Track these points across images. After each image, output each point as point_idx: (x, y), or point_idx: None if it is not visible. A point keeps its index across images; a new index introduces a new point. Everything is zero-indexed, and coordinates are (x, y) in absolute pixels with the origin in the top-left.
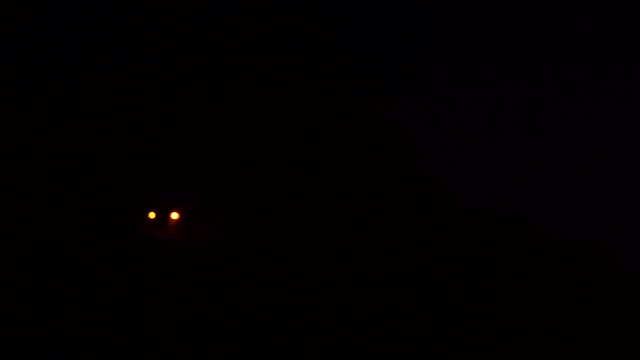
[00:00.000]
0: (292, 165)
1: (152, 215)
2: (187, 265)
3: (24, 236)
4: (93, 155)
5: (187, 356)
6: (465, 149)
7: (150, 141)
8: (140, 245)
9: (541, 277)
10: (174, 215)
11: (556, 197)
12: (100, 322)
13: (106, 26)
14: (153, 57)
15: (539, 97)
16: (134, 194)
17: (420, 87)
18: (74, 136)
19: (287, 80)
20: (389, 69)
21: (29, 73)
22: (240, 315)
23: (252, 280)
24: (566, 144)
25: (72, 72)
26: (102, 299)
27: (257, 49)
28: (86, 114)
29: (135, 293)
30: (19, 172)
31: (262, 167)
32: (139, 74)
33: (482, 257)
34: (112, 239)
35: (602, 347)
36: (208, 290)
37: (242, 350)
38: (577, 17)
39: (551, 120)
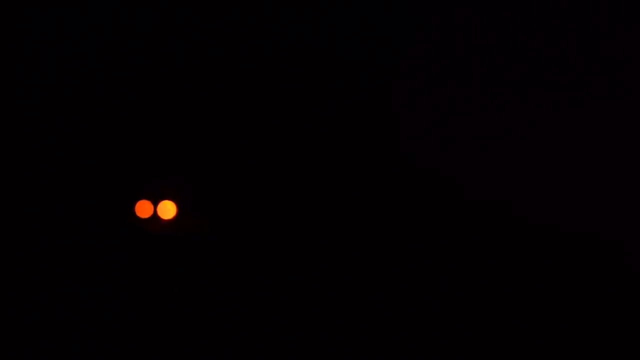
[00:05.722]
0: (295, 158)
1: (143, 206)
2: (184, 265)
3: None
4: (79, 142)
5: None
6: (462, 146)
7: (144, 124)
8: (130, 242)
9: (540, 276)
10: (170, 207)
11: (554, 194)
12: (90, 327)
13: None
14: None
15: (536, 92)
16: (122, 181)
17: (416, 84)
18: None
19: (283, 75)
20: (383, 67)
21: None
22: (241, 318)
23: (254, 280)
24: (564, 139)
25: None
26: (90, 301)
27: (250, 42)
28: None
29: (125, 297)
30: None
31: (264, 156)
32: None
33: (480, 256)
34: (98, 234)
35: (602, 346)
36: (208, 292)
37: (244, 350)
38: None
39: (548, 116)
